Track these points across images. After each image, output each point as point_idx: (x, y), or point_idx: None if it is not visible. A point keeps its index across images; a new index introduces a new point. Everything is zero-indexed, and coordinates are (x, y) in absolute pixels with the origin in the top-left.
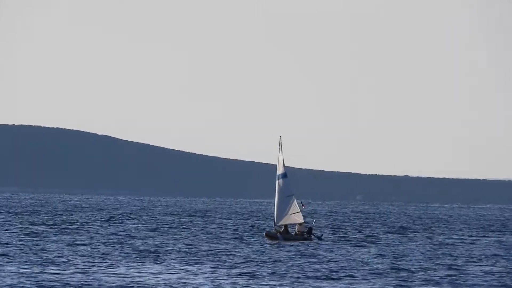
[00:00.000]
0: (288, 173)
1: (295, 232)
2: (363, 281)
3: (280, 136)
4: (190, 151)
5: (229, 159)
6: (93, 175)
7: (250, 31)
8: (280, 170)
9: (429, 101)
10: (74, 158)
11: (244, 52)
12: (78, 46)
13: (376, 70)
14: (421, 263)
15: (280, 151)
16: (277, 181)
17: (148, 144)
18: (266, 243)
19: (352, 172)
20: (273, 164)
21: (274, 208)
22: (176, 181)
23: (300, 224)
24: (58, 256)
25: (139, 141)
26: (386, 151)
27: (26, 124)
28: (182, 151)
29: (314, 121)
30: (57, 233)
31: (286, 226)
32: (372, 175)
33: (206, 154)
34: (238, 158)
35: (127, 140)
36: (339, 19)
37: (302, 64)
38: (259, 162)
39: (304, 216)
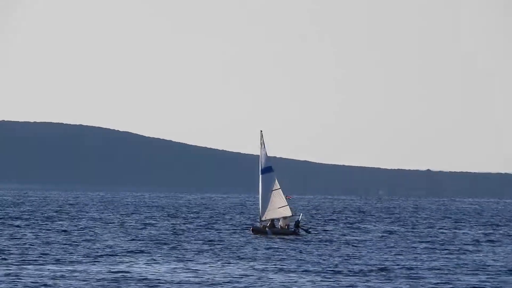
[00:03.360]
0: (307, 167)
1: (280, 226)
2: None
3: (261, 131)
4: (213, 147)
5: (252, 154)
6: (115, 172)
7: (242, 27)
8: (263, 165)
9: (452, 95)
10: (96, 155)
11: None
12: (101, 43)
13: (398, 63)
14: None
15: (262, 146)
16: (260, 176)
17: (171, 140)
18: (255, 238)
19: (374, 166)
20: (296, 160)
21: (259, 203)
22: (199, 176)
23: (285, 218)
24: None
25: (162, 138)
26: (408, 146)
27: (48, 121)
28: (205, 147)
29: (337, 115)
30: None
31: (272, 220)
32: (394, 169)
33: (229, 150)
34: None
35: (149, 137)
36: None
37: (324, 49)
38: (288, 159)
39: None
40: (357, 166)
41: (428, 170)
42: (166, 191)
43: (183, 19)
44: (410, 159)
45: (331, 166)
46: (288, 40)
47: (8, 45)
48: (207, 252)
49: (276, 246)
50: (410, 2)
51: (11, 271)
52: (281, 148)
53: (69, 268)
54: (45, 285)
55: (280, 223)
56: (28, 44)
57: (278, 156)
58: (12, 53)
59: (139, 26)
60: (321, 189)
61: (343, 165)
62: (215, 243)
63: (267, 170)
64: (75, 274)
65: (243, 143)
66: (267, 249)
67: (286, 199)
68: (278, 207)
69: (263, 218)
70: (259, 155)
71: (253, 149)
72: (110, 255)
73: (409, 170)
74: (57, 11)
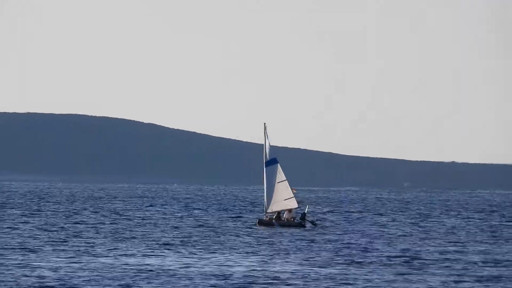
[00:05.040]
0: (333, 159)
1: (285, 218)
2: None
3: (265, 123)
4: (237, 139)
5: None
6: (138, 163)
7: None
8: (267, 157)
9: (477, 86)
10: (121, 146)
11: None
12: (126, 35)
13: (424, 53)
14: None
15: (266, 138)
16: (264, 168)
17: (195, 132)
18: (262, 230)
19: (399, 158)
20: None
21: (264, 196)
22: (223, 169)
23: (290, 210)
24: None
25: (185, 129)
26: (433, 137)
27: (73, 113)
28: (229, 139)
29: (363, 107)
30: None
31: (278, 212)
32: (419, 161)
33: (254, 142)
34: (286, 146)
35: (173, 128)
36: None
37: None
38: (306, 150)
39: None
40: (382, 158)
41: (453, 162)
42: (188, 183)
43: (199, 17)
44: (435, 151)
45: (355, 157)
46: (299, 32)
47: (33, 38)
48: (214, 243)
49: (284, 239)
50: None
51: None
52: (304, 139)
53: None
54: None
55: (286, 215)
56: (54, 38)
57: (302, 148)
58: (37, 46)
59: (162, 23)
60: (345, 181)
61: (368, 157)
62: (220, 233)
63: (271, 162)
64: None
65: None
66: (275, 241)
67: (292, 191)
68: (284, 199)
69: (269, 210)
70: (279, 146)
71: (277, 140)
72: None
73: (434, 162)
74: (81, 7)
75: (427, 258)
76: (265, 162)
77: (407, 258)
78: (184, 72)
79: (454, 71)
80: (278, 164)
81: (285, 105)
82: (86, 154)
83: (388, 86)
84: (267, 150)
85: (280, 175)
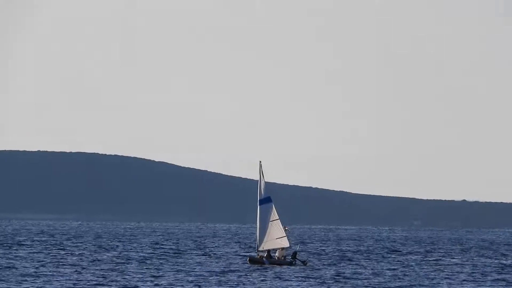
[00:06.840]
0: (345, 197)
1: (277, 257)
2: None
3: (260, 161)
4: (248, 178)
5: (287, 185)
6: (149, 202)
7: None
8: (262, 195)
9: (488, 125)
10: (131, 185)
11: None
12: (137, 74)
13: (433, 93)
14: None
15: (261, 176)
16: (258, 206)
17: (206, 171)
18: (253, 268)
19: (409, 197)
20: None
21: (256, 234)
22: (234, 207)
23: (282, 249)
24: None
25: (196, 167)
26: (443, 176)
27: (83, 151)
28: (240, 177)
29: (373, 145)
30: None
31: (269, 251)
32: (429, 200)
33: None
34: (296, 184)
35: (184, 167)
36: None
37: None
38: (318, 188)
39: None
40: (392, 197)
41: (464, 200)
42: (199, 221)
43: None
44: (446, 190)
45: (366, 196)
46: (301, 60)
47: (45, 75)
48: (207, 281)
49: (274, 276)
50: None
51: None
52: (316, 179)
53: None
54: None
55: (277, 253)
56: (64, 74)
57: (313, 186)
58: (48, 83)
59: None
60: (356, 220)
61: (379, 196)
62: (213, 272)
63: (265, 200)
64: None
65: (285, 174)
66: (265, 279)
67: (284, 230)
68: (276, 238)
69: (260, 249)
70: (299, 185)
71: (294, 179)
72: None
73: (445, 200)
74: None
75: None
76: (259, 200)
77: None
78: (183, 108)
79: (464, 108)
80: (272, 203)
81: (297, 143)
82: (97, 192)
83: (397, 124)
84: (262, 188)
85: (274, 214)
